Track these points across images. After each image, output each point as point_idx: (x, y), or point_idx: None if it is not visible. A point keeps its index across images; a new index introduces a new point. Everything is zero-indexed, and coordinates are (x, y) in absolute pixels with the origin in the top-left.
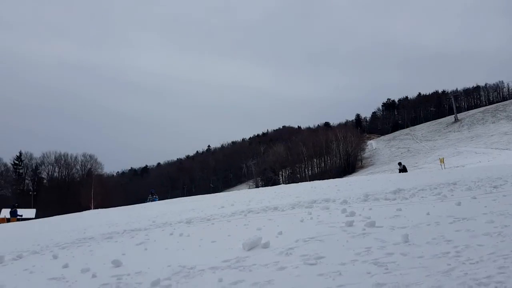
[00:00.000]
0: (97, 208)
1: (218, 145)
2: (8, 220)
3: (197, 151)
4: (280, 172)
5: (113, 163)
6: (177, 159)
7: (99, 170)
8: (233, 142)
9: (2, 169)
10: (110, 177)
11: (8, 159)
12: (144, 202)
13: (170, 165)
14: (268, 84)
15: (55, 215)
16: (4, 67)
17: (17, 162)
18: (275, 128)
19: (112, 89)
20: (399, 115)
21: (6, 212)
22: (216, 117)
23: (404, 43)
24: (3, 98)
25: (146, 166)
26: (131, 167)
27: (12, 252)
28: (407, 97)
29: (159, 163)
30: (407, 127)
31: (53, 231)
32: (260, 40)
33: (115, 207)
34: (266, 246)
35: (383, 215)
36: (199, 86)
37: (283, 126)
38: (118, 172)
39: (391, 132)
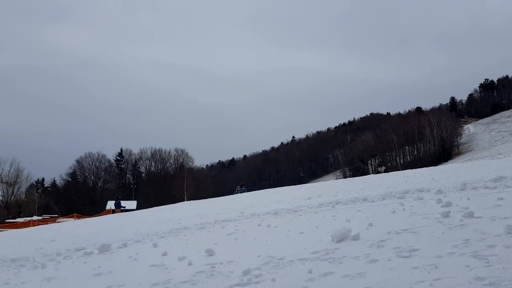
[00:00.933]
0: (190, 199)
1: (303, 136)
2: (113, 212)
3: (281, 142)
4: (369, 161)
5: (202, 157)
6: (263, 150)
7: (190, 164)
8: (318, 132)
9: (107, 165)
10: (200, 170)
11: (111, 156)
12: (232, 193)
13: (256, 157)
14: (354, 70)
15: (153, 206)
16: (103, 70)
17: (118, 158)
18: (362, 116)
19: (202, 85)
20: (499, 96)
21: (111, 204)
22: (301, 107)
23: (500, 20)
24: (105, 100)
25: (233, 158)
26: (219, 160)
27: (118, 240)
28: (507, 76)
29: (245, 156)
30: (508, 108)
31: (152, 221)
32: (347, 26)
33: (206, 199)
34: (356, 238)
35: (483, 205)
36: (285, 77)
37: (370, 113)
38: (207, 165)
39: (490, 114)
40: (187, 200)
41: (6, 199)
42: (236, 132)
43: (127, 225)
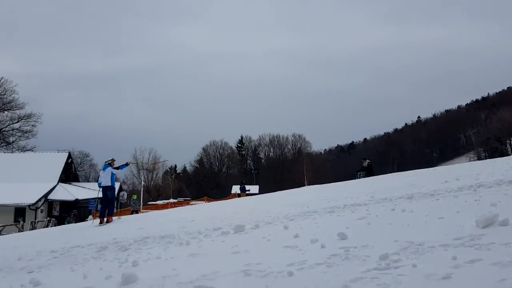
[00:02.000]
0: (310, 184)
1: (429, 115)
2: (238, 195)
3: (405, 123)
4: (508, 141)
5: (320, 141)
6: (384, 133)
7: (308, 149)
8: (446, 111)
9: (229, 151)
10: (318, 155)
11: (233, 143)
12: (353, 178)
13: (377, 139)
14: (482, 42)
15: (273, 191)
16: (224, 63)
17: (239, 145)
18: (497, 91)
19: (317, 69)
20: None
21: (236, 188)
22: (425, 85)
23: None
24: (226, 91)
25: (353, 142)
26: (338, 144)
27: (250, 222)
28: None
29: (365, 139)
30: None
31: (280, 205)
32: None
33: (329, 183)
34: (504, 223)
35: None
36: (403, 54)
37: (507, 88)
38: (325, 149)
39: None
40: (307, 185)
41: (147, 183)
42: (354, 115)
43: (257, 207)
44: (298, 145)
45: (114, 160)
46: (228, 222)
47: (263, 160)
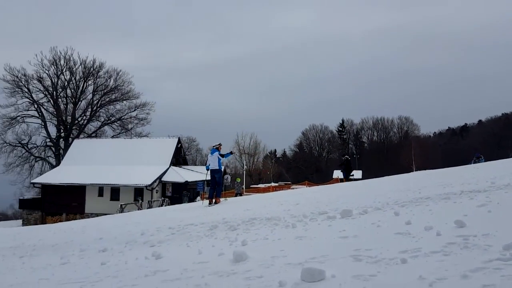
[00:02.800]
0: (419, 170)
1: None
2: (341, 180)
3: None
4: None
5: (429, 124)
6: (502, 114)
7: (416, 132)
8: None
9: (330, 136)
10: (427, 138)
11: (333, 127)
12: (466, 164)
13: (494, 121)
14: None
15: (377, 176)
16: (322, 47)
17: (340, 129)
18: None
19: (418, 48)
20: None
21: (338, 173)
22: None
23: None
24: (323, 74)
25: (465, 124)
26: (449, 127)
27: (358, 207)
28: None
29: (480, 120)
30: None
31: (389, 190)
32: None
33: (441, 168)
34: None
35: None
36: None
37: None
38: (434, 132)
39: None
40: (415, 171)
41: (249, 167)
42: (467, 95)
43: (363, 193)
44: (405, 128)
45: (221, 145)
46: (334, 206)
47: (366, 145)
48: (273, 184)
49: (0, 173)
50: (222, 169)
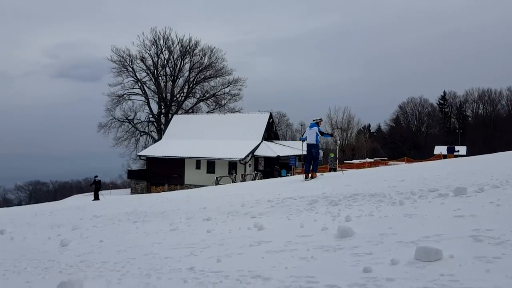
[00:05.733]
0: None
1: None
2: (444, 157)
3: None
4: None
5: None
6: None
7: None
8: None
9: (429, 109)
10: None
11: (434, 100)
12: None
13: None
14: None
15: (482, 153)
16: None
17: (441, 101)
18: None
19: None
20: None
21: (440, 149)
22: None
23: None
24: (426, 44)
25: None
26: None
27: (472, 185)
28: None
29: None
30: None
31: (505, 167)
32: None
33: None
34: None
35: None
36: None
37: None
38: None
39: None
40: None
41: (341, 143)
42: None
43: (476, 170)
44: None
45: (321, 120)
46: (444, 183)
47: (470, 118)
48: (368, 160)
49: (110, 146)
50: (320, 145)
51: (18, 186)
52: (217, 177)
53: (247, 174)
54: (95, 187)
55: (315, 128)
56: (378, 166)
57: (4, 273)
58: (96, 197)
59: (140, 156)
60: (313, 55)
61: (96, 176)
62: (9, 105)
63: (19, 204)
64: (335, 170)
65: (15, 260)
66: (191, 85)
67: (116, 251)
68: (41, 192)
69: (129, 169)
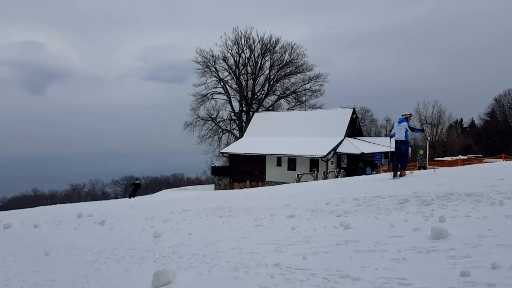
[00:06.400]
0: None
1: None
2: None
3: None
4: None
5: None
6: None
7: None
8: None
9: None
10: None
11: None
12: None
13: None
14: None
15: None
16: None
17: None
18: None
19: None
20: None
21: None
22: None
23: None
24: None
25: None
26: None
27: None
28: None
29: None
30: None
31: None
32: None
33: None
34: None
35: None
36: None
37: None
38: None
39: None
40: None
41: (431, 139)
42: None
43: None
44: None
45: (411, 115)
46: None
47: None
48: (461, 157)
49: (195, 144)
50: (409, 141)
51: (114, 181)
52: (298, 175)
53: (329, 172)
54: (134, 188)
55: (404, 124)
56: (472, 163)
57: (106, 261)
58: (131, 197)
59: (222, 153)
60: (399, 48)
61: (137, 179)
62: (105, 107)
63: (115, 197)
64: (424, 168)
65: (115, 249)
66: (271, 82)
67: (205, 244)
68: None
69: (213, 165)
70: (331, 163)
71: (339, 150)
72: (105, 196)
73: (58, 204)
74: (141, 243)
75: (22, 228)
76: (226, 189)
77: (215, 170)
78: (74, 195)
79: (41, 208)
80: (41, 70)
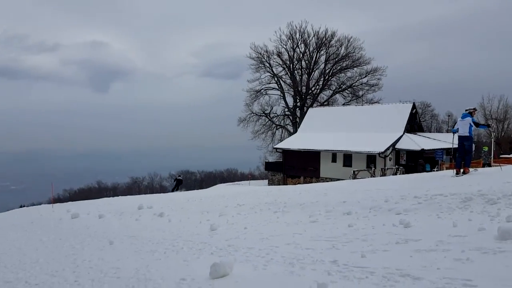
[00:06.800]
0: None
1: None
2: None
3: None
4: None
5: None
6: None
7: None
8: None
9: None
10: None
11: None
12: None
13: None
14: None
15: None
16: None
17: None
18: None
19: None
20: None
21: None
22: None
23: None
24: None
25: None
26: None
27: None
28: None
29: None
30: None
31: None
32: None
33: None
34: None
35: None
36: None
37: None
38: None
39: None
40: None
41: (497, 135)
42: None
43: None
44: None
45: (475, 110)
46: None
47: None
48: None
49: (249, 139)
50: (473, 137)
51: (171, 175)
52: (354, 171)
53: (387, 169)
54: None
55: (468, 119)
56: None
57: (165, 251)
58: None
59: (276, 148)
60: (462, 40)
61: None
62: (164, 103)
63: (172, 191)
64: (489, 165)
65: (173, 240)
66: (326, 77)
67: (260, 238)
68: (190, 181)
69: (266, 161)
70: (389, 160)
71: (398, 146)
72: (163, 189)
73: (120, 196)
74: (198, 235)
75: (88, 218)
76: (279, 184)
77: (269, 166)
78: (135, 187)
79: (105, 199)
80: (105, 69)
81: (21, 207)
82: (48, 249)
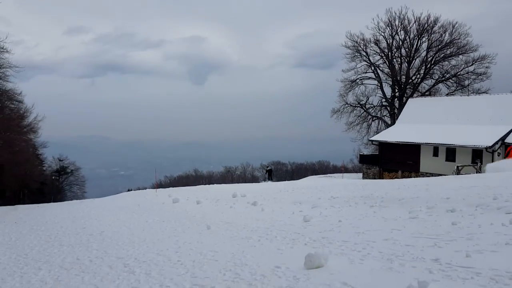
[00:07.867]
0: None
1: None
2: None
3: None
4: None
5: None
6: None
7: None
8: None
9: None
10: None
11: None
12: None
13: None
14: None
15: None
16: None
17: None
18: None
19: None
20: None
21: None
22: None
23: None
24: None
25: None
26: None
27: None
28: None
29: None
30: None
31: None
32: None
33: None
34: None
35: None
36: None
37: None
38: None
39: None
40: None
41: None
42: None
43: None
44: None
45: None
46: None
47: None
48: None
49: (343, 131)
50: None
51: (263, 165)
52: (458, 166)
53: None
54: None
55: None
56: None
57: (259, 239)
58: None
59: (372, 141)
60: None
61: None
62: (257, 95)
63: (264, 181)
64: None
65: (267, 229)
66: (428, 65)
67: (355, 232)
68: (281, 172)
69: (361, 153)
70: (498, 155)
71: (508, 140)
72: (254, 179)
73: (215, 184)
74: (292, 226)
75: (187, 203)
76: (374, 178)
77: (363, 159)
78: (228, 176)
79: (201, 186)
80: (203, 62)
81: (128, 191)
82: (153, 230)
